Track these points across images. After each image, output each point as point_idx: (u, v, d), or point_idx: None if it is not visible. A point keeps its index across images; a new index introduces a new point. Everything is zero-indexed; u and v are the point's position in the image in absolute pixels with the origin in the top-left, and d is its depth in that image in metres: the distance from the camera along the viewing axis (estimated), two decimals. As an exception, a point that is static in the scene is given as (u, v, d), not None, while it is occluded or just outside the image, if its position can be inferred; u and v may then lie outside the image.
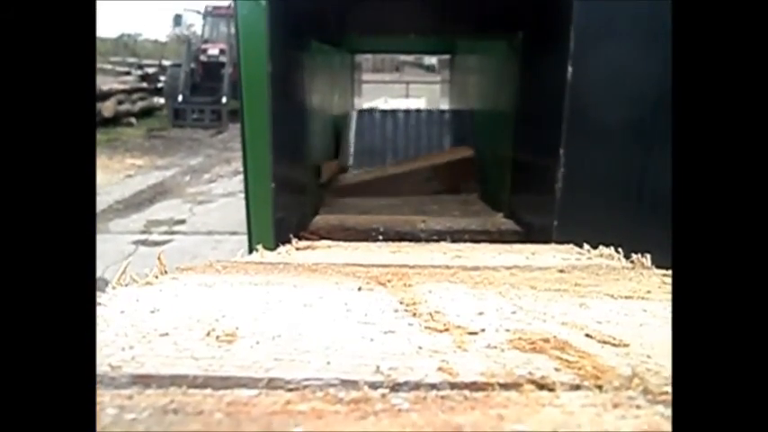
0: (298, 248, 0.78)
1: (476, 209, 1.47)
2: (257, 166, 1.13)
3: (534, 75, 1.16)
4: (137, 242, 3.16)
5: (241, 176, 1.22)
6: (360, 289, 0.48)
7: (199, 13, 8.20)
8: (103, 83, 7.68)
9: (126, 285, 0.46)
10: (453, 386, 0.26)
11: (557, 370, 0.27)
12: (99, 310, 0.39)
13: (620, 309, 0.41)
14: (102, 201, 3.99)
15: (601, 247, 0.73)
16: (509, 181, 1.32)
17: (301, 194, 1.30)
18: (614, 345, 0.32)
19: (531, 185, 1.16)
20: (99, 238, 3.22)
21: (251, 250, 0.71)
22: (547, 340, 0.32)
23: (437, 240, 0.97)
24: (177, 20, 9.08)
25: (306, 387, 0.26)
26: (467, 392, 0.25)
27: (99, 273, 2.55)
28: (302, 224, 1.25)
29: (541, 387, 0.25)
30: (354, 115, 2.08)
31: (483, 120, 1.78)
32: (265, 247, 0.75)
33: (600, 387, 0.25)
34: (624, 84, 0.94)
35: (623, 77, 0.94)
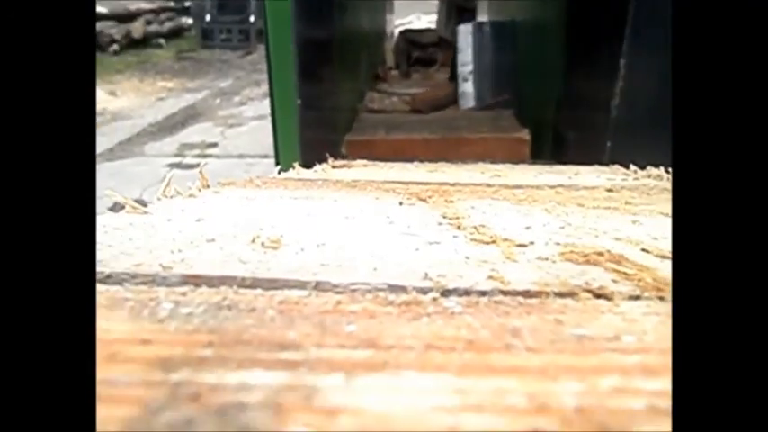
0: (334, 167, 0.78)
1: (505, 124, 1.42)
2: (283, 83, 1.11)
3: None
4: (171, 165, 3.22)
5: (271, 100, 1.20)
6: (401, 203, 0.47)
7: (223, -76, 7.77)
8: (131, 3, 7.52)
9: (170, 197, 0.47)
10: (506, 293, 0.25)
11: (614, 281, 0.26)
12: (146, 218, 0.39)
13: None
14: (137, 124, 4.03)
15: (649, 167, 0.70)
16: (556, 97, 1.24)
17: (330, 113, 1.27)
18: (671, 258, 0.30)
19: (583, 102, 1.08)
20: (134, 161, 3.29)
21: (279, 170, 0.71)
22: (601, 254, 0.30)
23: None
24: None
25: (354, 291, 0.26)
26: (521, 299, 0.24)
27: (137, 194, 2.63)
28: (332, 142, 1.23)
29: (599, 296, 0.25)
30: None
31: (527, 30, 1.65)
32: (305, 167, 0.74)
33: (662, 298, 0.24)
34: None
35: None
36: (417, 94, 1.85)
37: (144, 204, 0.43)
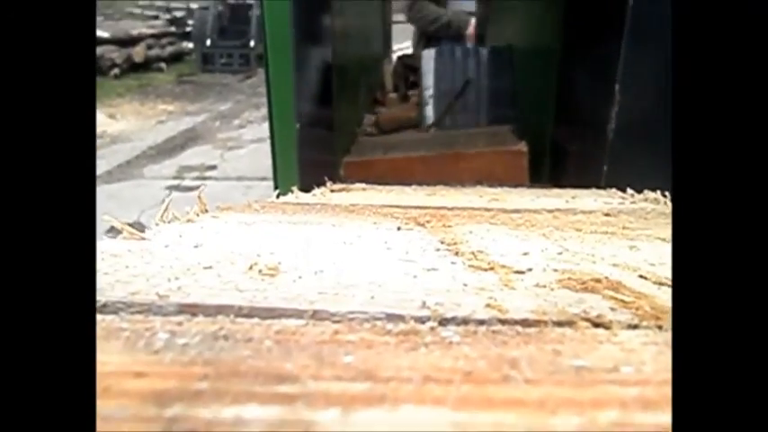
0: (332, 190, 0.78)
1: (501, 139, 1.42)
2: (281, 107, 1.12)
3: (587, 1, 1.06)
4: (170, 187, 3.23)
5: (270, 122, 1.21)
6: (399, 229, 0.47)
7: (224, -48, 7.95)
8: (132, 27, 7.64)
9: (168, 222, 0.47)
10: (504, 322, 0.25)
11: (612, 309, 0.26)
12: (143, 244, 0.39)
13: None
14: (136, 147, 4.05)
15: (646, 191, 0.70)
16: (552, 121, 1.25)
17: (329, 136, 1.28)
18: (671, 286, 0.30)
19: (579, 126, 1.09)
20: (134, 183, 3.30)
21: (278, 194, 0.71)
22: (599, 280, 0.30)
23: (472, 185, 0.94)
24: (203, -40, 8.82)
25: (352, 320, 0.26)
26: (519, 328, 0.24)
27: (135, 217, 2.62)
28: (331, 165, 1.23)
29: (597, 325, 0.24)
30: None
31: (524, 55, 1.68)
32: (303, 191, 0.75)
33: (660, 327, 0.24)
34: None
35: None
36: (381, 114, 1.87)
37: (141, 228, 0.43)
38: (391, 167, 1.28)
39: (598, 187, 0.85)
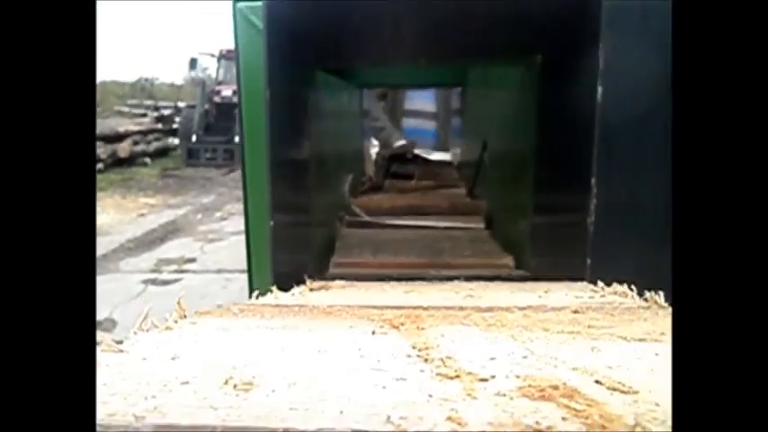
0: (312, 289, 0.80)
1: (487, 248, 1.47)
2: (257, 203, 1.12)
3: (558, 99, 1.08)
4: (146, 281, 3.18)
5: (252, 215, 1.24)
6: (373, 333, 0.49)
7: (213, 56, 8.47)
8: (120, 125, 7.91)
9: (147, 330, 0.48)
10: None
11: (564, 419, 0.28)
12: (121, 358, 0.40)
13: (632, 352, 0.42)
14: (114, 240, 4.04)
15: (615, 284, 0.73)
16: (530, 218, 1.28)
17: (304, 233, 1.29)
18: (623, 392, 0.32)
19: (558, 221, 1.10)
20: (108, 277, 3.24)
21: (251, 292, 0.72)
22: (556, 387, 0.32)
23: (450, 279, 0.96)
24: (193, 63, 9.35)
25: None
26: None
27: (107, 313, 2.55)
28: (308, 263, 1.24)
29: (549, 437, 0.26)
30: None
31: (498, 153, 1.75)
32: (280, 289, 0.76)
33: (605, 437, 0.26)
34: (660, 102, 0.80)
35: (658, 94, 0.80)
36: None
37: (113, 325, 0.44)
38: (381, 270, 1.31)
39: (572, 280, 0.87)
